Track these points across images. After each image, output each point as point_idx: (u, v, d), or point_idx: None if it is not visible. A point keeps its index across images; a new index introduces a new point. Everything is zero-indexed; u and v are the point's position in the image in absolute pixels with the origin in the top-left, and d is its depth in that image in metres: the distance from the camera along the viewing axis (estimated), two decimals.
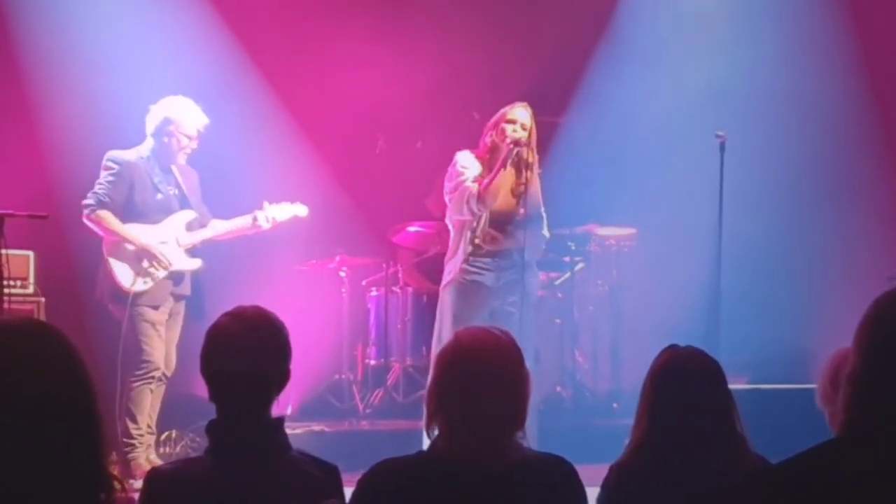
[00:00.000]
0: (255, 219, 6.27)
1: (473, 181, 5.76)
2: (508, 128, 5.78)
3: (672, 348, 3.07)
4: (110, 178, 6.08)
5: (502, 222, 5.84)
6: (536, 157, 5.88)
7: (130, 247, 6.03)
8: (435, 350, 5.83)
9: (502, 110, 5.87)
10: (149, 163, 6.16)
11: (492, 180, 5.73)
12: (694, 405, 2.94)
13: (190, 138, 6.19)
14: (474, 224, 5.79)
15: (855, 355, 2.12)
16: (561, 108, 8.51)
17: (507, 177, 5.79)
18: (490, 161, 5.84)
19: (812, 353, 6.03)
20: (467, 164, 5.84)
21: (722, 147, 6.47)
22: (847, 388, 2.12)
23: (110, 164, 6.11)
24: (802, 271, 8.03)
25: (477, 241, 5.79)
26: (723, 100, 7.80)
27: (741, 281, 7.22)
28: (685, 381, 2.97)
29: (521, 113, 5.83)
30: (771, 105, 8.04)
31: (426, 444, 5.74)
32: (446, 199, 5.91)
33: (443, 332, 5.79)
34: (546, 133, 8.26)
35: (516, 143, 5.72)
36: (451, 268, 5.87)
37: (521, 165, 5.77)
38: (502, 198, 5.80)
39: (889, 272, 6.59)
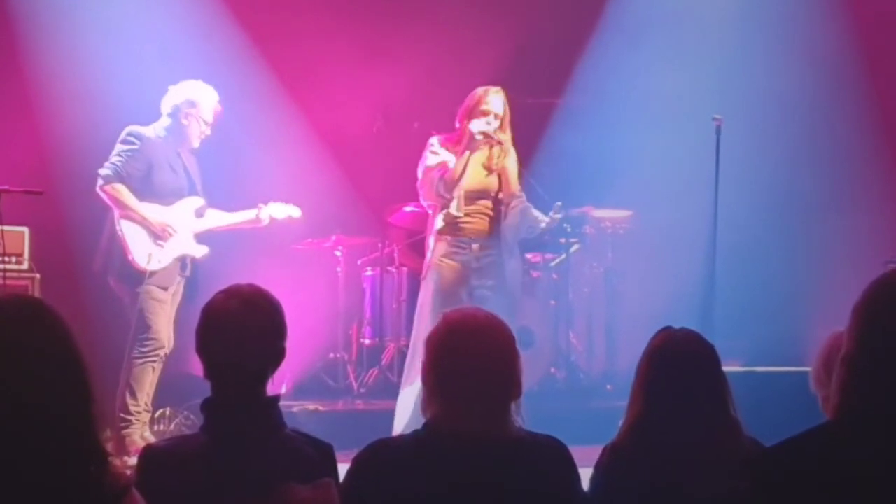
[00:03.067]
0: (257, 216, 6.36)
1: (438, 166, 5.77)
2: (481, 120, 5.74)
3: (667, 330, 3.07)
4: (129, 153, 5.98)
5: (477, 199, 5.84)
6: (510, 135, 5.87)
7: (146, 224, 5.98)
8: (415, 335, 5.86)
9: (477, 95, 5.81)
10: (165, 142, 6.11)
11: (456, 167, 5.74)
12: (688, 387, 2.94)
13: (207, 123, 6.17)
14: (450, 205, 5.80)
15: (850, 338, 2.12)
16: (558, 89, 8.49)
17: (477, 156, 5.80)
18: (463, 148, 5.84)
19: (806, 337, 6.02)
20: (437, 150, 5.85)
21: (718, 130, 6.46)
22: (841, 370, 2.12)
23: (131, 138, 6.00)
24: (798, 254, 8.03)
25: (453, 219, 5.80)
26: (720, 83, 7.78)
27: (736, 264, 7.21)
28: (680, 363, 2.98)
29: (495, 102, 5.79)
30: (768, 89, 8.03)
31: (396, 430, 5.74)
32: (418, 183, 5.93)
33: (423, 315, 5.80)
34: (543, 114, 8.28)
35: (484, 135, 5.72)
36: (430, 249, 5.89)
37: (490, 143, 5.78)
38: (475, 175, 5.82)
39: (887, 257, 6.59)
